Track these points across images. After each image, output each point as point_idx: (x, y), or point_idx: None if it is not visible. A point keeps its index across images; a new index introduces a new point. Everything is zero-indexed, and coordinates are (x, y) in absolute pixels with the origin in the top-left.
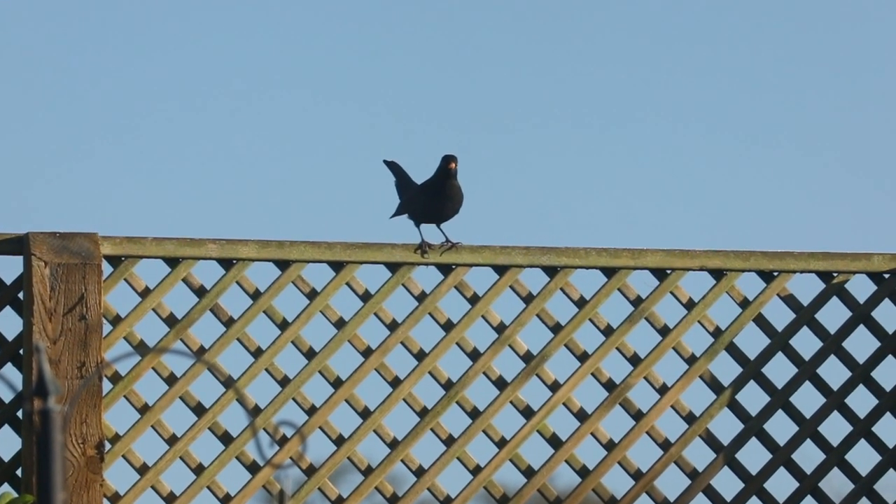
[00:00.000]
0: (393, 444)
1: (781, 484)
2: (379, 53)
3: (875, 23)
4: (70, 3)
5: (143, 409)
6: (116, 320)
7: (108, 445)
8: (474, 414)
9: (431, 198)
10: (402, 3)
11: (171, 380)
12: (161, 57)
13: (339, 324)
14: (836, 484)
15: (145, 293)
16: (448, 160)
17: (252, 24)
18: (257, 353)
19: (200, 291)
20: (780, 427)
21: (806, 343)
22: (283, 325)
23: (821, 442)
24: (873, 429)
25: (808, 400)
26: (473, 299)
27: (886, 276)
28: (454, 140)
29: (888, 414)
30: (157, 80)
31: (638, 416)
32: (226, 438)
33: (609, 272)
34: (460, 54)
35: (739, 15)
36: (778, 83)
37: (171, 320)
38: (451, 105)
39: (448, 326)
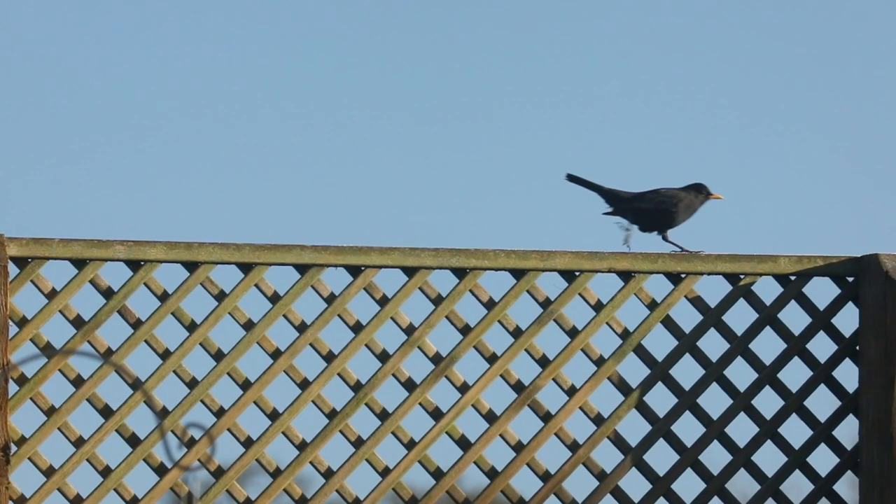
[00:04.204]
0: (301, 446)
1: (688, 485)
2: (276, 54)
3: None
4: None
5: (50, 412)
6: (23, 322)
7: (13, 448)
8: (383, 416)
9: (684, 211)
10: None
11: (77, 382)
12: (67, 59)
13: (248, 325)
14: (741, 485)
15: (52, 295)
16: (707, 190)
17: (156, 30)
18: (165, 354)
19: (108, 293)
20: (688, 428)
21: (713, 345)
22: (192, 327)
23: (727, 443)
24: (779, 430)
25: (714, 401)
26: (382, 301)
27: (793, 277)
28: (367, 140)
29: (794, 415)
30: (64, 83)
31: (546, 417)
32: (133, 440)
33: (518, 274)
34: (374, 54)
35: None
36: (685, 82)
37: (78, 322)
38: (366, 105)
39: (357, 328)
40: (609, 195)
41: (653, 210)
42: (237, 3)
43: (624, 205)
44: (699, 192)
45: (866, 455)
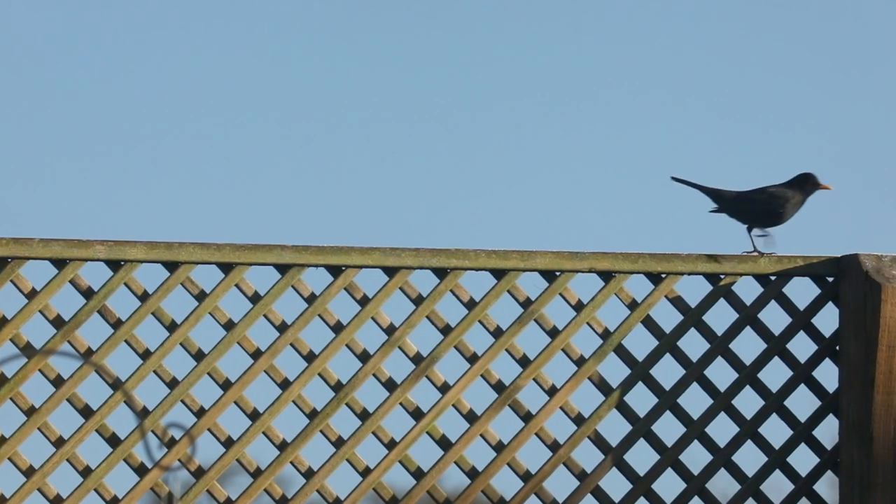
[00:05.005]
0: (282, 446)
1: (669, 485)
2: (254, 55)
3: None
4: None
5: (30, 412)
6: (3, 322)
7: None
8: (364, 415)
9: (793, 206)
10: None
11: (58, 382)
12: (47, 58)
13: (229, 325)
14: (721, 485)
15: (32, 294)
16: (814, 180)
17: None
18: (145, 354)
19: (88, 293)
20: (668, 428)
21: (693, 344)
22: (172, 327)
23: (708, 443)
24: (759, 430)
25: (695, 401)
26: (363, 301)
27: (773, 277)
28: (347, 140)
29: (774, 415)
30: (45, 84)
31: (527, 417)
32: (113, 441)
33: (498, 274)
34: (353, 54)
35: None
36: (657, 85)
37: (58, 322)
38: (347, 106)
39: (338, 328)
40: (714, 194)
41: (760, 209)
42: (218, 6)
43: (730, 204)
44: (805, 182)
45: (846, 455)
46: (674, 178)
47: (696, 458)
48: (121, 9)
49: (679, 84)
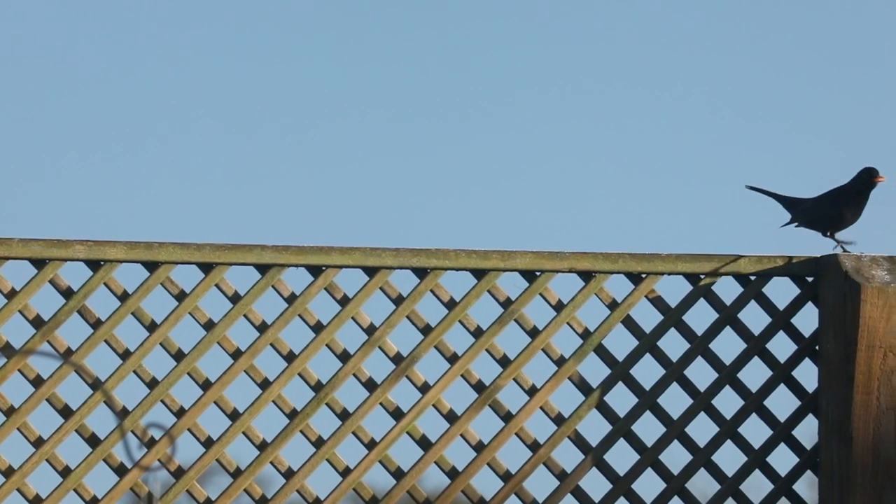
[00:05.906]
0: (262, 446)
1: (649, 485)
2: (238, 53)
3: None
4: None
5: (9, 412)
6: None
7: None
8: (344, 416)
9: (847, 206)
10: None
11: (37, 382)
12: (26, 57)
13: (209, 325)
14: (701, 485)
15: (11, 294)
16: (869, 175)
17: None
18: (125, 354)
19: (68, 293)
20: (648, 428)
21: (673, 344)
22: (152, 327)
23: (688, 443)
24: (739, 430)
25: (675, 401)
26: (343, 301)
27: (753, 277)
28: (328, 140)
29: (754, 415)
30: (25, 80)
31: (507, 417)
32: (93, 441)
33: (479, 274)
34: (338, 54)
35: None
36: (639, 84)
37: (37, 322)
38: (328, 106)
39: (318, 328)
40: (787, 203)
41: (820, 215)
42: (208, 6)
43: (796, 212)
44: (862, 179)
45: (826, 455)
46: (749, 187)
47: (675, 457)
48: (120, 9)
49: (661, 81)
